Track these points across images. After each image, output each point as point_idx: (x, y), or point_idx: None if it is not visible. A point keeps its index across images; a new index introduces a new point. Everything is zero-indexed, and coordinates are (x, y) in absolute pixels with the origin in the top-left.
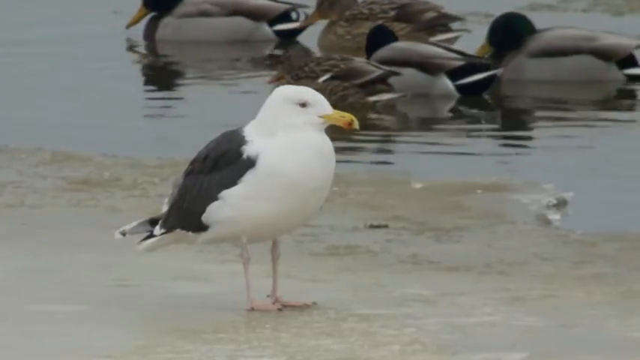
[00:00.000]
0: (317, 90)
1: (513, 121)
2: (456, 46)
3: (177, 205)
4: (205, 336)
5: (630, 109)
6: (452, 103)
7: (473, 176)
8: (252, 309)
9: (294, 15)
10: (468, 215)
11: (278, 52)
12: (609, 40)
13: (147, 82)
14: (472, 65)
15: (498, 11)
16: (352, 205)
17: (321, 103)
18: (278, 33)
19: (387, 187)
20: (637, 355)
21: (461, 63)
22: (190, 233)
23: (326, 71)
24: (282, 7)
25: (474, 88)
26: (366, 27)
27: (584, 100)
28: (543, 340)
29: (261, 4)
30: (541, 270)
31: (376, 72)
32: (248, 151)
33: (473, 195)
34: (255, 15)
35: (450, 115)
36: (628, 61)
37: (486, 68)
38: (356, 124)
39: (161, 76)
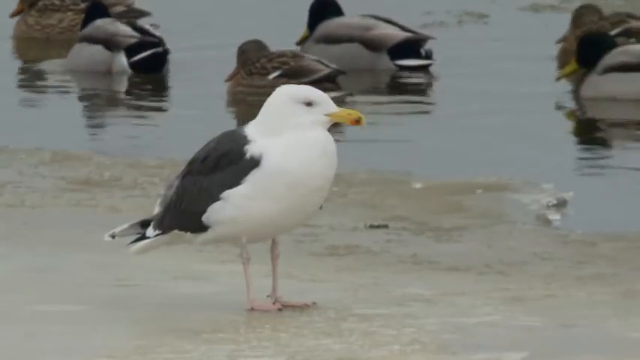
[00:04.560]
0: (267, 86)
1: None
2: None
3: (174, 206)
4: (205, 336)
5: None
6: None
7: (473, 176)
8: (252, 309)
9: None
10: (468, 215)
11: None
12: (380, 30)
13: None
14: (145, 42)
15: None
16: (352, 205)
17: (326, 102)
18: None
19: (387, 187)
20: (637, 355)
21: (135, 40)
22: (189, 234)
23: (276, 68)
24: None
25: (146, 65)
26: (55, 18)
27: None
28: (543, 340)
29: None
30: (541, 270)
31: (324, 70)
32: (251, 150)
33: (473, 195)
34: None
35: None
36: (402, 51)
37: (157, 45)
38: (363, 121)
39: None
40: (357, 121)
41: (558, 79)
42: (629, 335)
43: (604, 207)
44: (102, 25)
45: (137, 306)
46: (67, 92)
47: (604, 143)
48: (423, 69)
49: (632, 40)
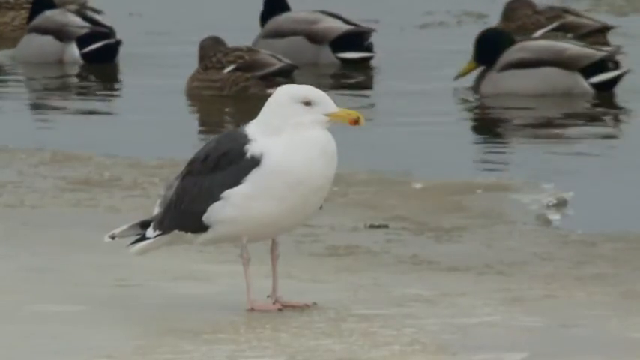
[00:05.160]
0: (222, 80)
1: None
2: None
3: (174, 207)
4: (205, 336)
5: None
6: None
7: (473, 176)
8: (252, 309)
9: None
10: (468, 215)
11: None
12: (324, 23)
13: None
14: (96, 33)
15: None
16: (352, 205)
17: (325, 101)
18: None
19: (387, 187)
20: (637, 355)
21: (86, 31)
22: (189, 234)
23: (231, 62)
24: None
25: (97, 56)
26: (9, 16)
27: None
28: (543, 340)
29: None
30: (541, 270)
31: (277, 64)
32: (252, 150)
33: (473, 195)
34: None
35: None
36: (344, 44)
37: (108, 36)
38: (362, 121)
39: None
40: (356, 121)
41: (456, 78)
42: (629, 335)
43: (604, 207)
44: (52, 15)
45: (137, 306)
46: (18, 84)
47: (595, 141)
48: (364, 62)
49: (570, 35)
